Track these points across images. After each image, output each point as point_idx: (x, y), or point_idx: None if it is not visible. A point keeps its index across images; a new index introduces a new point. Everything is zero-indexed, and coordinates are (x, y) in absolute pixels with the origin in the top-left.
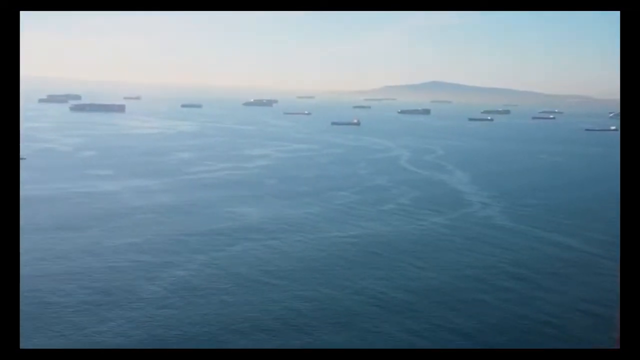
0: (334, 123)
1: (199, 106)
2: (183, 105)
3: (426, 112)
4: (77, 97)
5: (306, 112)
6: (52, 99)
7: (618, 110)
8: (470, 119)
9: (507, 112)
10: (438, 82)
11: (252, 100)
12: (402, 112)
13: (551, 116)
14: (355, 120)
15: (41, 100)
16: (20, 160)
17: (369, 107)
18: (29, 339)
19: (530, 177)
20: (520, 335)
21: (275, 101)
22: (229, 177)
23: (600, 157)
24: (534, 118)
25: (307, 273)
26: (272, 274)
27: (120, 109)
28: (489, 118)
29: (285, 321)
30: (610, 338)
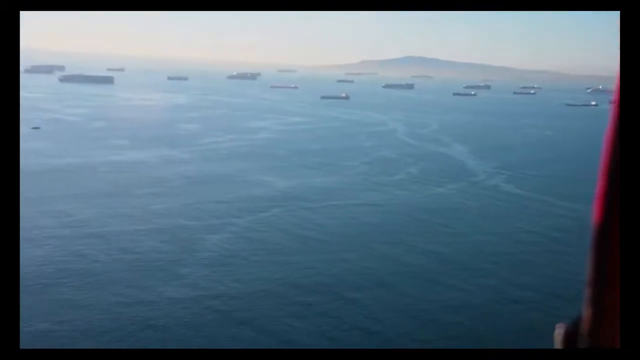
0: (323, 97)
1: (185, 79)
2: (169, 78)
3: (410, 86)
4: (62, 68)
5: (292, 85)
6: (36, 69)
7: (594, 86)
8: (455, 94)
9: (488, 87)
10: (416, 57)
11: (235, 73)
12: (387, 86)
13: (532, 91)
14: (344, 94)
15: (26, 71)
16: (34, 129)
17: (352, 82)
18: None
19: (526, 150)
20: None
21: (259, 74)
22: (239, 149)
23: (587, 130)
24: (515, 93)
25: (347, 235)
26: (314, 237)
27: (108, 80)
28: (473, 93)
29: (341, 279)
30: None
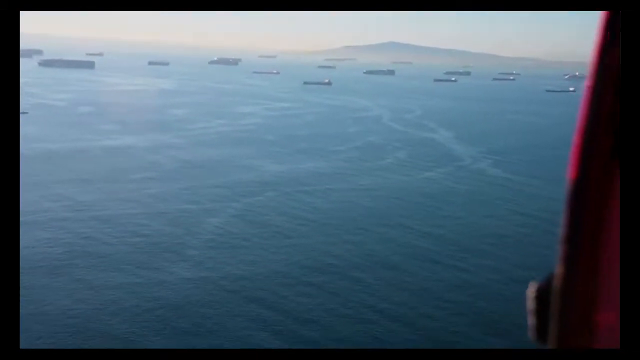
0: (306, 82)
1: (166, 64)
2: (150, 63)
3: (391, 72)
4: (40, 52)
5: (275, 71)
6: None
7: (571, 72)
8: (436, 80)
9: (468, 73)
10: (396, 42)
11: (216, 58)
12: (368, 72)
13: (511, 77)
14: (327, 80)
15: None
16: (22, 114)
17: (334, 67)
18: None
19: (510, 135)
20: None
21: (240, 60)
22: (229, 134)
23: (568, 116)
24: (494, 79)
25: (345, 218)
26: (313, 220)
27: (89, 65)
28: (453, 79)
29: (346, 260)
30: None
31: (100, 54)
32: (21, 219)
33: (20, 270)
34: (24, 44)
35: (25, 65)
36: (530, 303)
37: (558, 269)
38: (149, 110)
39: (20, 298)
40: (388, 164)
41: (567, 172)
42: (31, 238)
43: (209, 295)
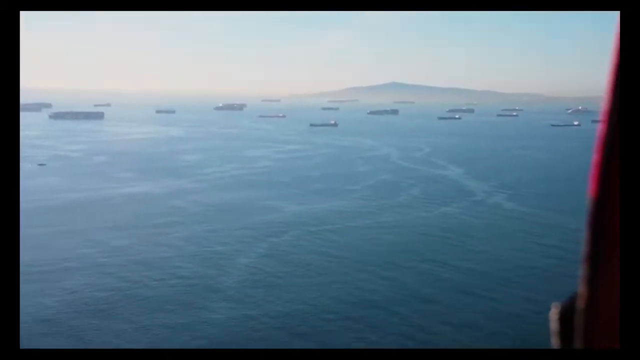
0: (312, 125)
1: (172, 112)
2: (157, 111)
3: (394, 112)
4: (49, 106)
5: (280, 114)
6: (24, 108)
7: (573, 107)
8: (440, 118)
9: (471, 110)
10: (398, 82)
11: (221, 104)
12: (372, 112)
13: (514, 113)
14: (333, 122)
15: None
16: (40, 166)
17: (338, 109)
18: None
19: (520, 170)
20: None
21: (244, 105)
22: (243, 177)
23: (575, 149)
24: (498, 115)
25: (375, 254)
26: (344, 257)
27: (99, 116)
28: (457, 117)
29: (384, 295)
30: None
31: (108, 105)
32: (64, 265)
33: (70, 313)
34: (33, 98)
35: (36, 119)
36: (554, 324)
37: (581, 289)
38: (161, 157)
39: (72, 339)
40: (404, 201)
41: (587, 190)
42: (75, 283)
43: (255, 331)
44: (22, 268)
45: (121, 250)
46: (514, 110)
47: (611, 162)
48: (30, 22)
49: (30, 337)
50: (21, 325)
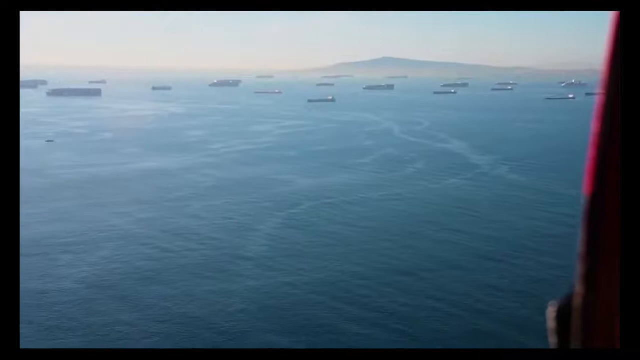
0: (310, 100)
1: (169, 88)
2: (154, 88)
3: (390, 87)
4: (44, 83)
5: (277, 91)
6: (21, 84)
7: (566, 80)
8: (435, 92)
9: (465, 85)
10: (389, 57)
11: (216, 81)
12: (368, 87)
13: (509, 87)
14: (330, 97)
15: None
16: (48, 142)
17: (333, 85)
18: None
19: (520, 143)
20: None
21: (240, 81)
22: (251, 152)
23: (573, 122)
24: (493, 89)
25: (396, 224)
26: (368, 227)
27: (96, 92)
28: (453, 91)
29: (410, 262)
30: None
31: (103, 82)
32: (98, 235)
33: (117, 280)
34: (28, 75)
35: (34, 96)
36: (551, 323)
37: (578, 287)
38: (166, 134)
39: (127, 303)
40: (412, 174)
41: (583, 187)
42: (113, 252)
43: (295, 297)
44: (58, 239)
45: (148, 221)
46: (509, 84)
47: (608, 158)
48: None
49: (87, 300)
50: (74, 290)
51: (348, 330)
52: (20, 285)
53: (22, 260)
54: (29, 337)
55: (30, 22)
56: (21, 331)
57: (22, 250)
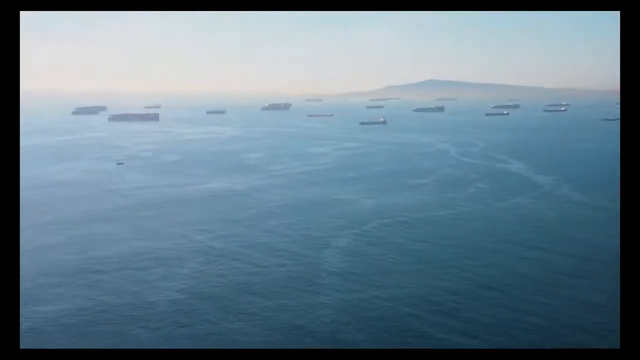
0: (362, 123)
1: (222, 112)
2: (208, 112)
3: (440, 109)
4: (104, 108)
5: (328, 113)
6: (82, 111)
7: None
8: (487, 114)
9: (517, 106)
10: (435, 80)
11: (267, 104)
12: (418, 110)
13: (562, 108)
14: (382, 119)
15: (74, 113)
16: (118, 164)
17: (382, 107)
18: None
19: (582, 164)
20: None
21: (290, 105)
22: (311, 173)
23: None
24: (545, 111)
25: (475, 240)
26: (451, 244)
27: (154, 117)
28: (505, 112)
29: (498, 279)
30: None
31: (158, 106)
32: (188, 249)
33: (214, 290)
34: (90, 101)
35: (97, 121)
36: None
37: None
38: (228, 155)
39: (230, 313)
40: (475, 193)
41: None
42: (212, 267)
43: (393, 311)
44: (150, 254)
45: (230, 238)
46: (561, 105)
47: None
48: (73, 29)
49: (192, 310)
50: (178, 300)
51: (446, 339)
52: (129, 297)
53: (124, 273)
54: (151, 342)
55: (86, 50)
56: (144, 336)
57: (121, 264)
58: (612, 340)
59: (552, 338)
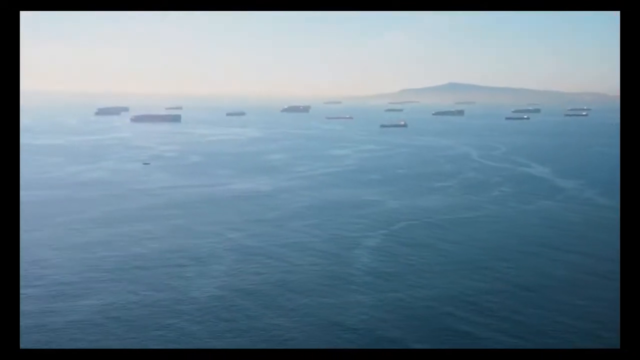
0: (382, 125)
1: (242, 114)
2: (228, 114)
3: (460, 113)
4: (126, 109)
5: (347, 116)
6: (104, 111)
7: None
8: (507, 118)
9: (537, 110)
10: (455, 83)
11: (287, 107)
12: (437, 113)
13: (583, 113)
14: (402, 122)
15: (96, 114)
16: (144, 165)
17: (401, 110)
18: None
19: (606, 168)
20: None
21: (309, 107)
22: (334, 175)
23: None
24: (566, 115)
25: (508, 244)
26: (481, 247)
27: (176, 118)
28: (526, 117)
29: (536, 282)
30: None
31: (179, 108)
32: (222, 248)
33: (254, 287)
34: (112, 102)
35: (119, 122)
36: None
37: None
38: (250, 156)
39: (270, 309)
40: (500, 196)
41: None
42: (247, 264)
43: (430, 308)
44: (185, 252)
45: (262, 237)
46: (582, 109)
47: None
48: (97, 34)
49: (234, 305)
50: (219, 296)
51: (487, 338)
52: (171, 292)
53: (163, 270)
54: (203, 338)
55: (108, 53)
56: (189, 329)
57: (159, 261)
58: None
59: (586, 339)
